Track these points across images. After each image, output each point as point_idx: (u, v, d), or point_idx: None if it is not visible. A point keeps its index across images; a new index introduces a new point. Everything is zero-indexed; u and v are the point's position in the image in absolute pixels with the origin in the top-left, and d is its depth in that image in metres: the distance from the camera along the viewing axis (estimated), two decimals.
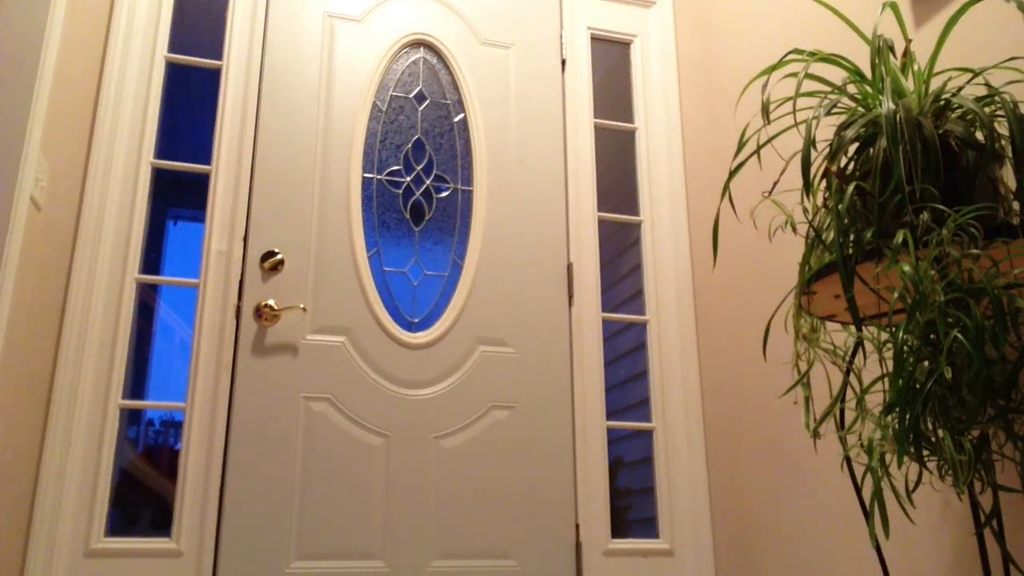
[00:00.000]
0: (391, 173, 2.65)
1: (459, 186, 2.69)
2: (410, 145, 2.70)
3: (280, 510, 2.25)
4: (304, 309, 2.40)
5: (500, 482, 2.43)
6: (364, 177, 2.60)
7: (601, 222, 2.76)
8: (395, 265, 2.61)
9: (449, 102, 2.76)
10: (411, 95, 2.72)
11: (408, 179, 2.66)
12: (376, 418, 2.40)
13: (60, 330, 2.20)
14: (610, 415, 2.62)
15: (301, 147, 2.54)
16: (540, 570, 2.36)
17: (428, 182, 2.68)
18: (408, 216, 2.67)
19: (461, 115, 2.75)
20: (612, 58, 3.05)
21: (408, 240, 2.65)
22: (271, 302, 2.37)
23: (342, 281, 2.49)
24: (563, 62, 2.86)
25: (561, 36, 2.89)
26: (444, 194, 2.69)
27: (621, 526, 2.69)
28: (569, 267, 2.66)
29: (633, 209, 2.84)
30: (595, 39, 2.96)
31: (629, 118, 2.92)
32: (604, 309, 2.69)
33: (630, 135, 2.91)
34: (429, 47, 2.77)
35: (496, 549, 2.37)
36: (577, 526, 2.43)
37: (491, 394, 2.51)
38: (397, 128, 2.70)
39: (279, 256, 2.41)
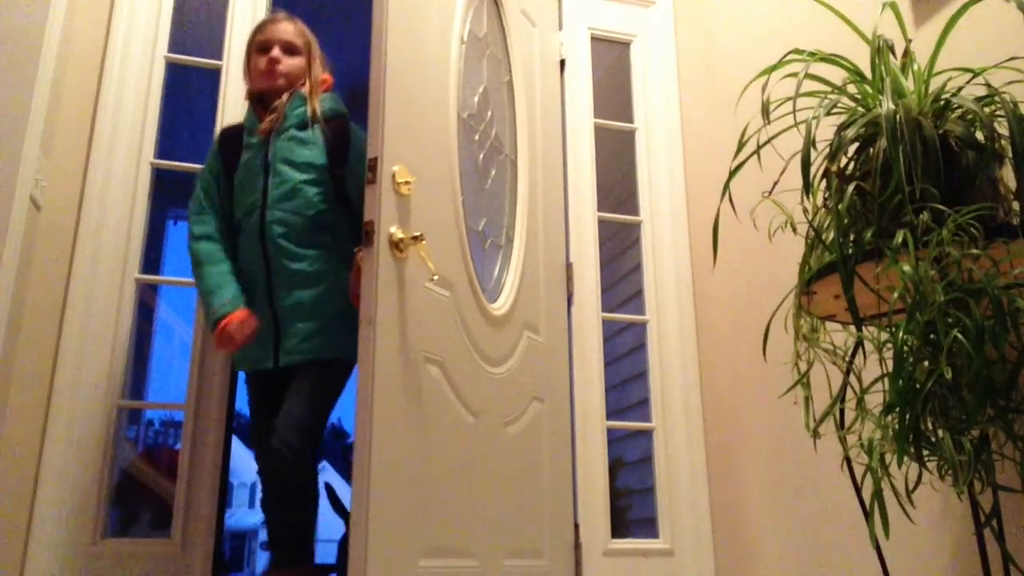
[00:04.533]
0: (470, 117, 2.33)
1: (508, 153, 2.51)
2: (479, 93, 2.41)
3: (412, 497, 1.85)
4: (422, 241, 1.92)
5: (536, 478, 2.30)
6: (457, 113, 2.24)
7: (601, 222, 2.75)
8: (472, 221, 2.26)
9: (501, 58, 2.55)
10: (481, 36, 2.46)
11: (480, 128, 2.38)
12: (470, 393, 2.10)
13: (60, 330, 2.20)
14: (610, 415, 2.61)
15: (421, 64, 2.10)
16: (553, 570, 2.35)
17: (492, 138, 2.44)
18: (480, 168, 2.35)
19: (509, 76, 2.57)
20: (612, 58, 3.04)
21: (480, 197, 2.33)
22: (404, 233, 1.90)
23: (448, 225, 2.11)
24: (562, 62, 2.86)
25: (560, 36, 2.88)
26: (501, 156, 2.47)
27: (621, 526, 2.69)
28: (569, 267, 2.66)
29: (633, 209, 2.83)
30: (595, 39, 2.95)
31: (629, 118, 2.92)
32: (604, 309, 2.68)
33: (630, 135, 2.90)
34: None
35: (536, 548, 2.24)
36: (577, 526, 2.43)
37: (533, 383, 2.37)
38: (471, 70, 2.36)
39: (408, 181, 1.93)
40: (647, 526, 2.60)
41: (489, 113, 2.45)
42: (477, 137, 2.37)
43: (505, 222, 2.47)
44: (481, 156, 2.38)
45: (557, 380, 2.50)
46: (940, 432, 1.23)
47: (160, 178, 2.47)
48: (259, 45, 2.24)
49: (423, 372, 1.95)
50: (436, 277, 1.99)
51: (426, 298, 1.99)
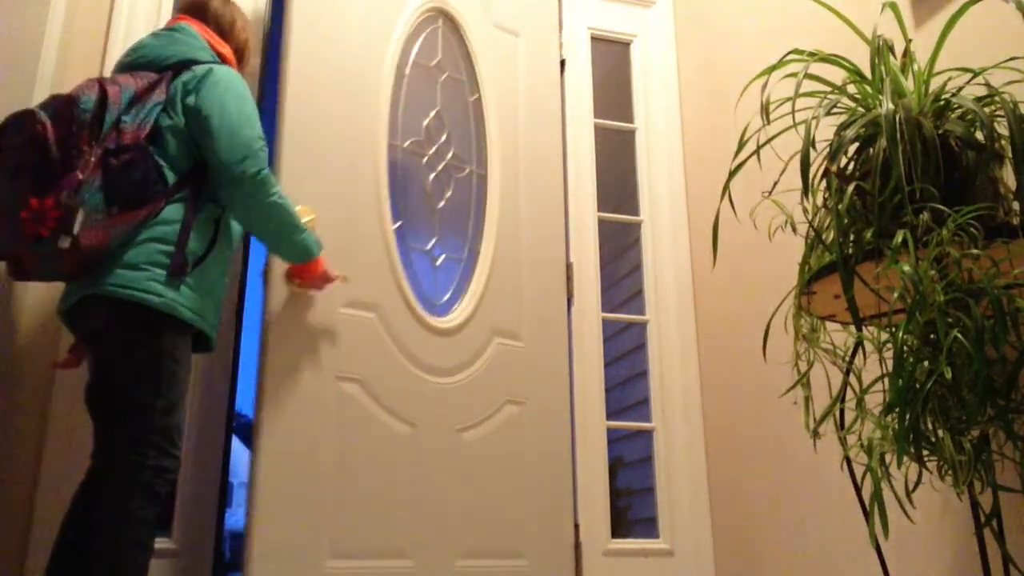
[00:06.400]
0: (414, 143, 2.48)
1: (475, 169, 2.59)
2: (430, 118, 2.55)
3: (314, 503, 2.08)
4: (345, 279, 2.19)
5: (511, 479, 2.36)
6: (389, 143, 2.42)
7: (601, 222, 2.76)
8: (418, 242, 2.45)
9: (465, 79, 2.64)
10: (432, 64, 2.59)
11: (429, 152, 2.52)
12: (404, 405, 2.26)
13: (61, 329, 2.19)
14: (610, 415, 2.62)
15: (329, 104, 2.32)
16: (539, 569, 2.36)
17: (448, 159, 2.54)
18: (429, 191, 2.49)
19: (476, 95, 2.64)
20: (612, 58, 3.04)
21: (429, 218, 2.49)
22: None
23: (371, 252, 2.30)
24: (562, 62, 2.86)
25: (561, 36, 2.88)
26: (462, 175, 2.56)
27: (621, 526, 2.69)
28: (569, 267, 2.66)
29: (633, 209, 2.84)
30: (595, 39, 2.95)
31: (629, 118, 2.92)
32: (604, 309, 2.69)
33: (630, 135, 2.91)
34: (447, 17, 2.63)
35: (510, 548, 2.31)
36: (577, 526, 2.43)
37: (506, 388, 2.43)
38: (418, 98, 2.53)
39: (311, 218, 2.14)
40: (647, 526, 2.60)
41: (444, 135, 2.56)
42: (425, 160, 2.50)
43: (469, 236, 2.54)
44: (431, 178, 2.51)
45: (544, 382, 2.51)
46: (940, 432, 1.23)
47: None
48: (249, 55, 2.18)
49: (334, 390, 2.16)
50: (337, 282, 2.14)
51: (341, 321, 2.21)
